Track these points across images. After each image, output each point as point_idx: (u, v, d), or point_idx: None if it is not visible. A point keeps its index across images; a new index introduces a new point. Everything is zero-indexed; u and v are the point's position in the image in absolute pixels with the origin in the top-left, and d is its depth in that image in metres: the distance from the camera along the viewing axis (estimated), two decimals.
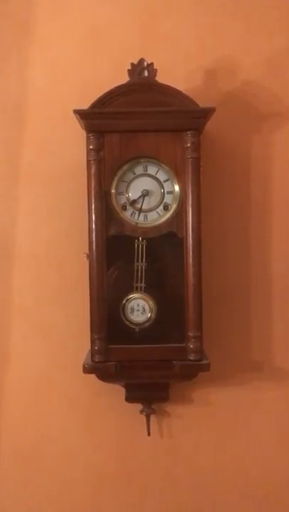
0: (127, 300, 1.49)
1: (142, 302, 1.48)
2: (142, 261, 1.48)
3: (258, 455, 1.66)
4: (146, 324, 1.49)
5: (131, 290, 1.49)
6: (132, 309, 1.48)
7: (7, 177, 1.65)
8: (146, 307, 1.48)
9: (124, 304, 1.48)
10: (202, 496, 1.66)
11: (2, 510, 1.65)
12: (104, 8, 1.64)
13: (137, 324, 1.49)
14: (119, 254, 1.49)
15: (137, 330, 1.49)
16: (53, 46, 1.64)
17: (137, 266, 1.48)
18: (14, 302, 1.65)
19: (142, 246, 1.48)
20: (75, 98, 1.51)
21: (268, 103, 1.63)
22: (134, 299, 1.49)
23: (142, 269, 1.48)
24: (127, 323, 1.48)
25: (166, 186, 1.48)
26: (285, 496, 1.66)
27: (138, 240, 1.47)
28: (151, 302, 1.48)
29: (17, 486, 1.66)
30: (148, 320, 1.48)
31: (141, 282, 1.49)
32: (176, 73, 1.58)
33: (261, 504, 1.66)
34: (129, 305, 1.48)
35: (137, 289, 1.49)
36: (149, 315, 1.48)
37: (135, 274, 1.48)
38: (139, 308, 1.48)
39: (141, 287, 1.49)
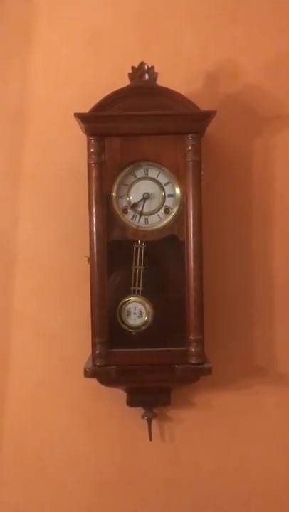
0: (124, 303, 1.48)
1: (138, 305, 1.48)
2: (140, 264, 1.47)
3: (261, 460, 1.65)
4: (143, 328, 1.48)
5: (128, 293, 1.48)
6: (129, 312, 1.48)
7: (8, 181, 1.65)
8: (143, 310, 1.48)
9: (121, 307, 1.48)
10: (204, 500, 1.65)
11: None
12: (104, 13, 1.64)
13: (133, 328, 1.48)
14: (120, 258, 1.49)
15: (134, 333, 1.48)
16: (54, 51, 1.64)
17: (135, 269, 1.48)
18: (15, 306, 1.65)
19: (141, 249, 1.47)
20: (76, 102, 1.51)
21: (269, 106, 1.63)
22: (131, 302, 1.48)
23: (139, 272, 1.48)
24: (124, 326, 1.48)
25: (167, 189, 1.48)
26: (288, 501, 1.65)
27: (137, 242, 1.47)
28: (148, 306, 1.47)
29: (18, 490, 1.65)
30: (145, 323, 1.48)
31: (138, 285, 1.48)
32: (177, 76, 1.59)
33: (264, 509, 1.65)
34: (126, 308, 1.48)
35: (134, 292, 1.48)
36: (145, 318, 1.48)
37: (133, 277, 1.48)
38: (136, 311, 1.48)
39: (138, 290, 1.48)
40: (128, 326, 1.48)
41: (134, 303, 1.48)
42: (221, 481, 1.65)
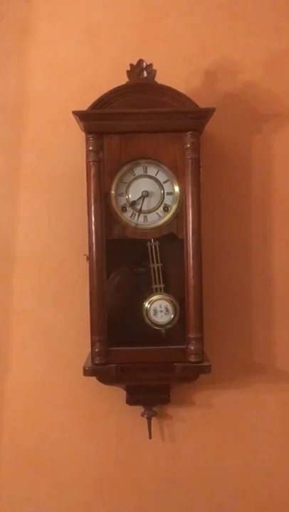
0: (150, 302, 1.47)
1: (164, 303, 1.47)
2: (156, 261, 1.47)
3: (260, 457, 1.65)
4: (169, 326, 1.47)
5: (150, 292, 1.48)
6: (155, 311, 1.48)
7: (7, 179, 1.65)
8: (170, 307, 1.47)
9: (148, 308, 1.47)
10: (204, 498, 1.65)
11: None
12: (103, 10, 1.64)
13: (161, 325, 1.48)
14: (119, 256, 1.49)
15: (163, 331, 1.48)
16: (52, 48, 1.64)
17: (153, 267, 1.47)
18: (14, 304, 1.65)
19: (155, 247, 1.47)
20: (75, 99, 1.51)
21: (268, 104, 1.63)
22: (157, 300, 1.48)
23: (158, 269, 1.47)
24: (153, 326, 1.47)
25: (166, 187, 1.47)
26: (288, 498, 1.65)
27: (150, 241, 1.47)
28: (174, 301, 1.47)
29: (17, 488, 1.65)
30: (172, 321, 1.47)
31: (160, 283, 1.48)
32: (175, 74, 1.58)
33: (264, 507, 1.65)
34: (152, 307, 1.47)
35: (156, 291, 1.48)
36: (172, 316, 1.47)
37: (152, 275, 1.48)
38: (162, 309, 1.47)
39: (161, 288, 1.48)
40: (156, 324, 1.48)
41: (160, 301, 1.48)
42: (220, 478, 1.65)
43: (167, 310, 1.47)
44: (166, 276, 1.52)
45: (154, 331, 1.48)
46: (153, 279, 1.48)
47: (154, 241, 1.47)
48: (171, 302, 1.47)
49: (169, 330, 1.48)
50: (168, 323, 1.47)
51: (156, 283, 1.48)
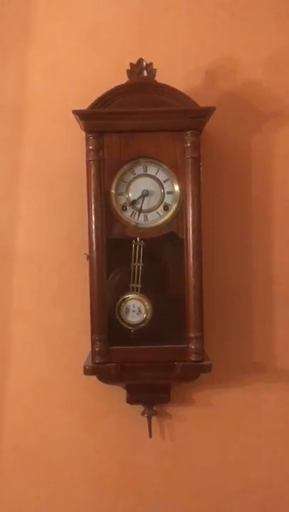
0: (123, 300, 1.48)
1: (137, 303, 1.48)
2: (138, 261, 1.47)
3: (260, 457, 1.65)
4: (142, 325, 1.48)
5: (127, 291, 1.48)
6: (128, 310, 1.48)
7: (6, 178, 1.65)
8: (142, 308, 1.47)
9: (120, 305, 1.48)
10: (204, 497, 1.65)
11: None
12: (103, 9, 1.64)
13: (132, 325, 1.48)
14: (119, 255, 1.49)
15: (133, 331, 1.48)
16: (52, 47, 1.64)
17: (134, 266, 1.48)
18: (14, 304, 1.65)
19: (140, 246, 1.47)
20: (75, 99, 1.51)
21: (268, 102, 1.63)
22: (130, 299, 1.48)
23: (138, 269, 1.47)
24: (123, 324, 1.48)
25: (166, 186, 1.47)
26: (288, 498, 1.65)
27: (136, 240, 1.47)
28: (146, 303, 1.47)
29: (18, 488, 1.65)
30: (144, 321, 1.48)
31: (137, 283, 1.48)
32: (175, 73, 1.58)
33: (264, 506, 1.65)
34: (125, 306, 1.48)
35: (133, 290, 1.48)
36: (144, 316, 1.47)
37: (132, 274, 1.48)
38: (135, 308, 1.48)
39: (137, 288, 1.48)
40: (127, 324, 1.48)
41: (133, 300, 1.48)
42: (221, 477, 1.65)
43: (139, 311, 1.47)
44: (166, 275, 1.52)
45: (154, 331, 1.48)
46: (131, 278, 1.48)
47: (140, 240, 1.47)
48: (144, 303, 1.47)
49: (169, 329, 1.48)
50: (140, 323, 1.48)
51: (134, 282, 1.48)
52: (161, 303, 1.50)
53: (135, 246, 1.47)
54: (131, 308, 1.48)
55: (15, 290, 1.65)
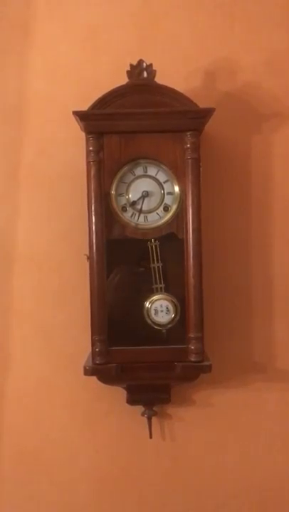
0: (151, 302, 1.47)
1: (165, 302, 1.48)
2: (157, 261, 1.47)
3: (261, 457, 1.65)
4: (169, 325, 1.48)
5: (151, 292, 1.48)
6: (156, 311, 1.48)
7: (7, 179, 1.65)
8: (170, 306, 1.47)
9: (149, 307, 1.47)
10: (205, 498, 1.65)
11: None
12: (103, 10, 1.64)
13: (162, 325, 1.48)
14: (119, 256, 1.49)
15: (164, 331, 1.48)
16: (52, 48, 1.64)
17: (154, 267, 1.48)
18: (14, 305, 1.65)
19: (156, 246, 1.47)
20: (75, 99, 1.50)
21: (268, 103, 1.63)
22: (157, 300, 1.48)
23: (159, 269, 1.47)
24: (156, 326, 1.48)
25: (166, 187, 1.47)
26: (288, 498, 1.65)
27: (150, 241, 1.47)
28: (174, 300, 1.47)
29: (18, 488, 1.65)
30: (172, 320, 1.47)
31: (160, 283, 1.48)
32: (175, 74, 1.58)
33: (265, 506, 1.65)
34: (153, 307, 1.47)
35: (156, 291, 1.48)
36: (173, 315, 1.47)
37: (153, 275, 1.48)
38: (163, 308, 1.47)
39: (161, 288, 1.48)
40: (157, 324, 1.48)
41: (160, 301, 1.48)
42: (221, 478, 1.65)
43: (168, 310, 1.47)
44: (167, 275, 1.52)
45: (154, 331, 1.48)
46: (154, 278, 1.48)
47: (155, 241, 1.47)
48: (172, 302, 1.47)
49: (169, 329, 1.48)
50: (169, 323, 1.47)
51: (156, 283, 1.48)
52: None
53: (151, 247, 1.47)
54: (159, 308, 1.48)
55: (15, 290, 1.65)
